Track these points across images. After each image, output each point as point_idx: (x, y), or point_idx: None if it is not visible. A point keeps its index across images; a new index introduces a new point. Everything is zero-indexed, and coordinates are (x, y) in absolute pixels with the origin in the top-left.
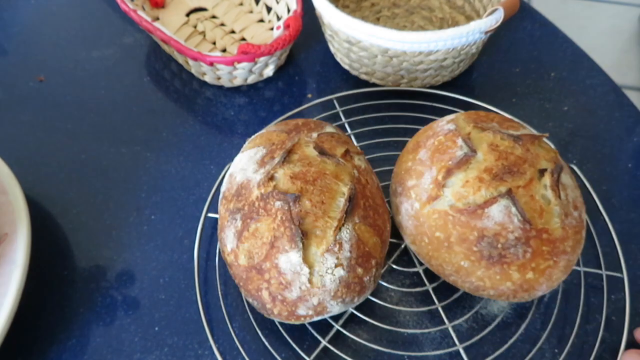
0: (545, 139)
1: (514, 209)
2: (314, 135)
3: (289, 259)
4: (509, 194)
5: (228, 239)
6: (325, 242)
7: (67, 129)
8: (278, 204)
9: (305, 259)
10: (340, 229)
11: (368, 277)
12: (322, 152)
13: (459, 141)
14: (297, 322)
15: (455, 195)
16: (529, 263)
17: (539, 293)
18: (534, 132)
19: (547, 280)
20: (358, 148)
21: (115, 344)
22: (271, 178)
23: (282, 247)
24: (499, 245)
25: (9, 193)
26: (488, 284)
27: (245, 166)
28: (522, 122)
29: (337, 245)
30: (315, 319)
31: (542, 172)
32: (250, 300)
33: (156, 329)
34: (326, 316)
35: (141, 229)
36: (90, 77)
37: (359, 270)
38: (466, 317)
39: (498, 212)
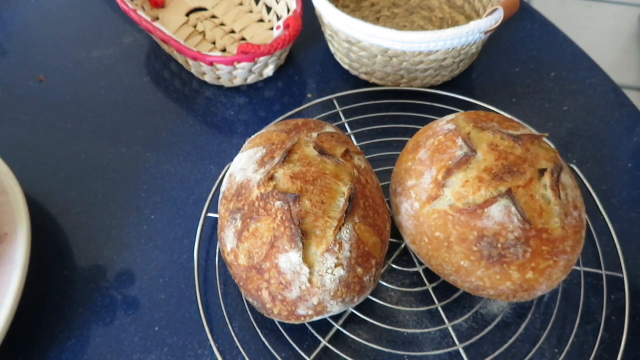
0: (545, 139)
1: (514, 209)
2: (314, 135)
3: (289, 259)
4: (509, 193)
5: (228, 239)
6: (326, 242)
7: (67, 129)
8: (278, 204)
9: (306, 259)
10: (340, 229)
11: (368, 277)
12: (322, 152)
13: (459, 141)
14: (297, 322)
15: (455, 195)
16: (528, 263)
17: (539, 293)
18: (534, 132)
19: (547, 280)
20: (358, 148)
21: (115, 344)
22: (271, 178)
23: (282, 247)
24: (499, 245)
25: (9, 193)
26: (488, 284)
27: (245, 166)
28: (522, 122)
29: (337, 245)
30: (316, 319)
31: (542, 172)
32: (250, 300)
33: (156, 329)
34: (326, 316)
35: (141, 228)
36: (90, 77)
37: (359, 270)
38: (466, 317)
39: (498, 212)
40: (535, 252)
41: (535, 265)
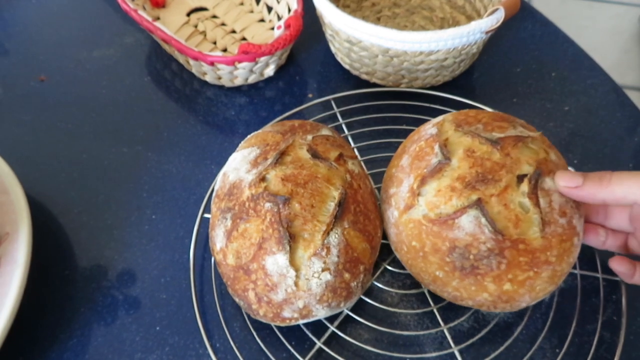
0: (544, 137)
1: (483, 220)
2: (309, 137)
3: (276, 261)
4: (478, 203)
5: (218, 238)
6: (313, 245)
7: (68, 129)
8: (268, 205)
9: (292, 262)
10: (328, 233)
11: (355, 283)
12: (315, 155)
13: (436, 148)
14: (283, 324)
15: (429, 205)
16: (504, 274)
17: (522, 304)
18: (529, 130)
19: (530, 292)
20: (353, 152)
21: (117, 343)
22: (262, 179)
23: (269, 248)
24: (471, 257)
25: (10, 193)
26: (465, 295)
27: (238, 165)
28: (519, 120)
29: (325, 250)
30: (301, 321)
31: (522, 178)
32: (237, 299)
33: (157, 328)
34: (312, 320)
35: (142, 228)
36: (91, 77)
37: (346, 275)
38: (465, 317)
39: (468, 223)
40: (511, 263)
41: (513, 277)
